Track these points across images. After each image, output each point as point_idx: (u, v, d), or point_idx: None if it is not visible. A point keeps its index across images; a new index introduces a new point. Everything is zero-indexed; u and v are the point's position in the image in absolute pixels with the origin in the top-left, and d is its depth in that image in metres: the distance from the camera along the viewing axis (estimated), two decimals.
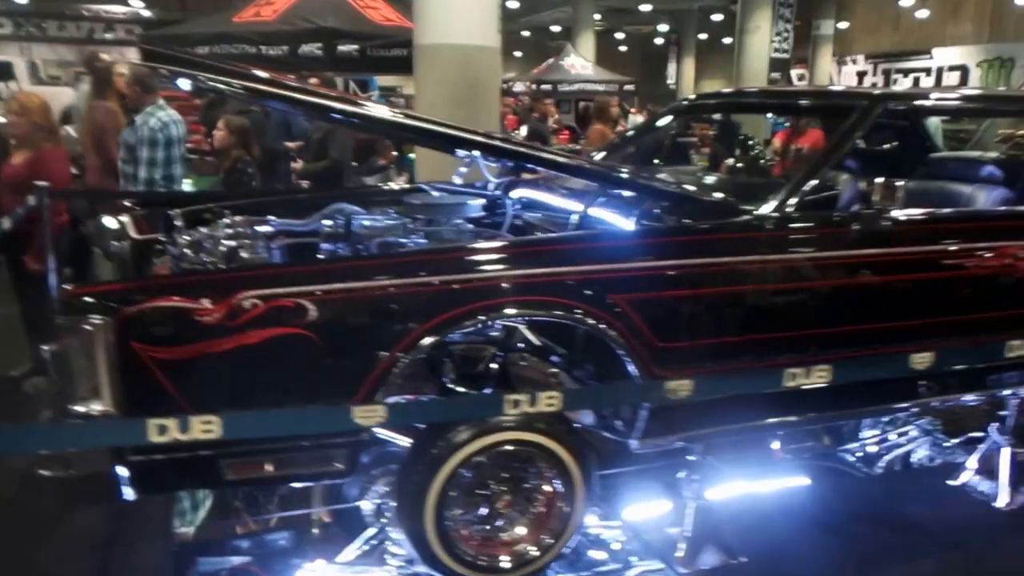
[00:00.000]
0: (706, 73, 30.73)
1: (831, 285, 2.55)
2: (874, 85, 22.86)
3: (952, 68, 21.22)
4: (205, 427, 1.77)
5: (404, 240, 2.82)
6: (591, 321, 2.26)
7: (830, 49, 22.30)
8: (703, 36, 29.51)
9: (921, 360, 2.29)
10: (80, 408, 1.98)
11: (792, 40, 15.98)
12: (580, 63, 19.42)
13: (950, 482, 3.01)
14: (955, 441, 3.14)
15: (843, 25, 23.58)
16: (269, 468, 2.14)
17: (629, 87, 20.04)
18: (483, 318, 2.20)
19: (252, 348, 2.05)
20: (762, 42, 15.36)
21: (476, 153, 3.30)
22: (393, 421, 2.06)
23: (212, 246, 2.58)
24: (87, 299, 1.98)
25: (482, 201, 3.17)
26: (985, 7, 20.59)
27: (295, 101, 2.73)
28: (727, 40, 29.98)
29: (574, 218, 2.85)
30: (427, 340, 2.15)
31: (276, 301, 2.06)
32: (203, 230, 2.71)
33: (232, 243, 2.58)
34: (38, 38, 17.98)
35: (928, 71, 22.12)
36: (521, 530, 2.41)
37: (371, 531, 2.69)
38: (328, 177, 6.00)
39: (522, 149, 2.93)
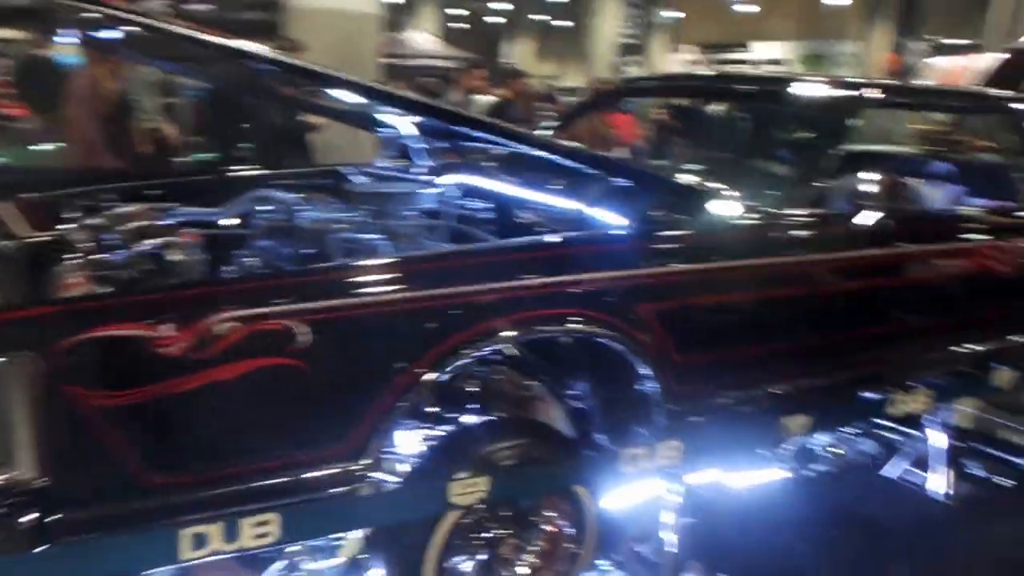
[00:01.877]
0: (547, 55, 31.14)
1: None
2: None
3: (769, 62, 22.98)
4: (259, 530, 1.32)
5: (362, 236, 2.41)
6: (617, 336, 2.00)
7: (667, 37, 23.31)
8: (542, 17, 29.85)
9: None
10: None
11: (641, 26, 16.53)
12: (423, 38, 18.92)
13: (887, 475, 3.03)
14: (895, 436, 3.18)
15: (677, 15, 24.73)
16: None
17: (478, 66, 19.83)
18: (516, 333, 1.88)
19: (226, 386, 1.60)
20: (610, 27, 15.74)
21: (409, 130, 2.95)
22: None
23: (126, 246, 2.04)
24: None
25: (435, 189, 2.80)
26: (802, 5, 22.33)
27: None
28: (566, 23, 30.65)
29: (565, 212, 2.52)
30: (453, 361, 1.80)
31: (260, 324, 1.62)
32: (106, 224, 2.15)
33: (153, 242, 2.06)
34: None
35: (748, 63, 23.80)
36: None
37: None
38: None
39: (498, 126, 2.51)
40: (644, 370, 2.05)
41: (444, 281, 1.82)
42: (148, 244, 2.04)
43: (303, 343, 1.64)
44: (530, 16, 28.62)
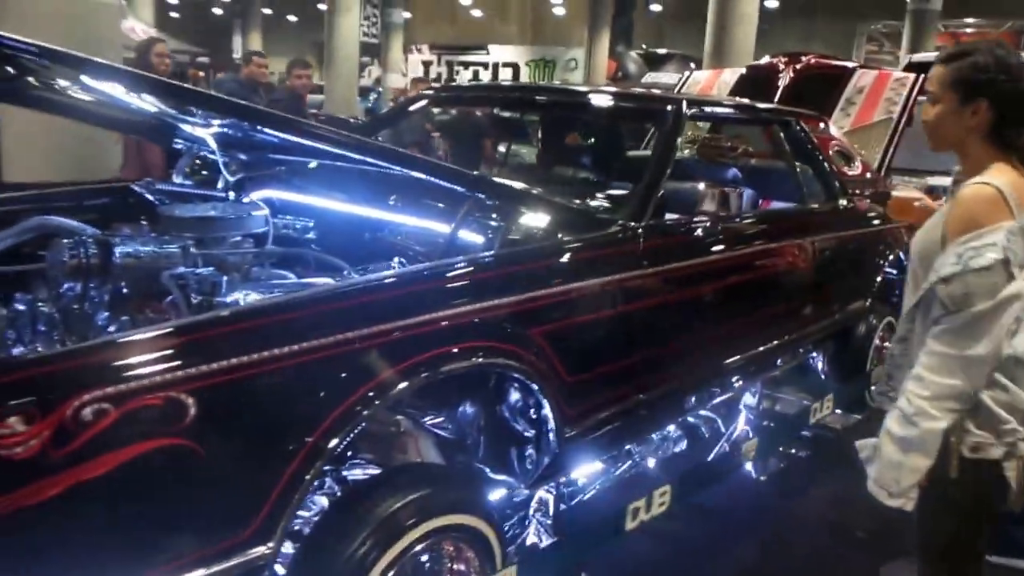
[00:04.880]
0: (276, 50, 29.68)
1: (714, 290, 2.61)
2: (439, 76, 24.76)
3: (506, 64, 24.12)
4: None
5: (191, 271, 2.05)
6: (513, 363, 1.91)
7: (401, 37, 23.37)
8: (267, 11, 28.39)
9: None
10: None
11: (380, 26, 16.30)
12: (140, 28, 17.07)
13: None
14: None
15: (407, 15, 24.91)
16: None
17: (202, 59, 18.35)
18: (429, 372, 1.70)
19: (99, 485, 1.26)
20: (352, 25, 15.33)
21: (209, 141, 2.58)
22: None
23: None
24: None
25: (264, 211, 2.47)
26: (526, 12, 23.69)
27: None
28: (292, 17, 29.41)
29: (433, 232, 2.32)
30: (363, 412, 1.57)
31: (136, 400, 1.29)
32: None
33: None
34: None
35: (486, 65, 24.77)
36: None
37: None
38: None
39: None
40: (539, 394, 1.99)
41: (350, 323, 1.60)
42: None
43: (191, 419, 1.34)
44: (262, 9, 27.12)
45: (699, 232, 2.61)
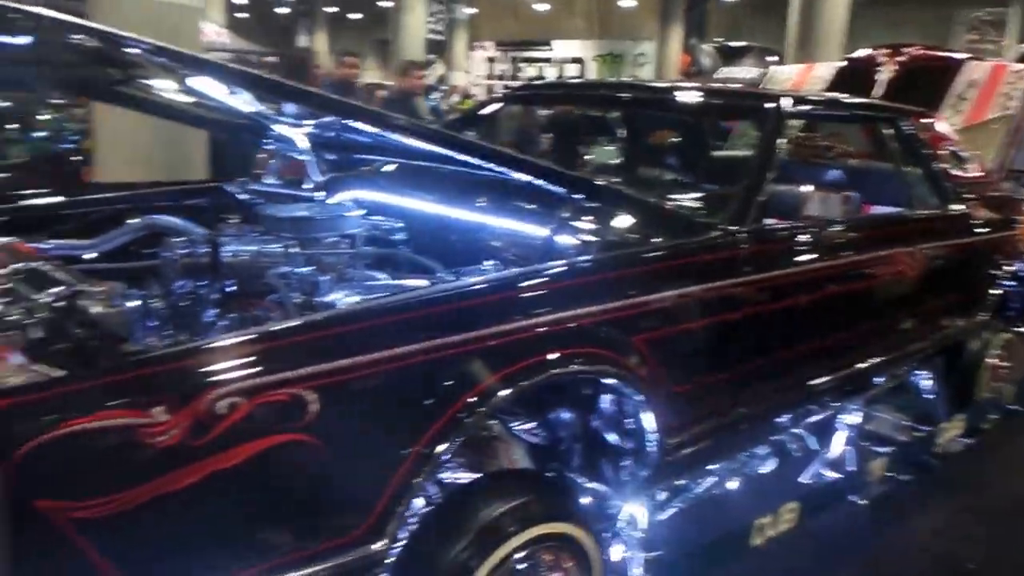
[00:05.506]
0: (340, 48, 30.30)
1: (827, 297, 2.58)
2: (503, 73, 24.89)
3: (573, 60, 24.10)
4: None
5: (292, 270, 2.14)
6: (614, 370, 1.93)
7: (466, 34, 23.60)
8: (332, 9, 29.03)
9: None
10: None
11: (446, 22, 16.54)
12: (212, 29, 17.69)
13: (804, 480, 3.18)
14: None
15: (473, 11, 25.12)
16: None
17: (270, 58, 18.84)
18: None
19: (230, 476, 1.34)
20: (418, 23, 15.58)
21: (300, 141, 2.67)
22: None
23: (28, 299, 1.65)
24: None
25: (359, 211, 2.55)
26: (593, 4, 23.55)
27: None
28: (356, 15, 29.97)
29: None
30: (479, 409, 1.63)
31: (265, 395, 1.37)
32: None
33: (57, 291, 1.67)
34: None
35: (550, 61, 24.81)
36: None
37: None
38: None
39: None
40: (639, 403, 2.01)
41: (464, 325, 1.65)
42: (53, 294, 1.66)
43: (314, 415, 1.41)
44: (324, 8, 27.76)
45: (805, 237, 2.57)
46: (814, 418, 2.80)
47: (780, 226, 2.56)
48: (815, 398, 2.72)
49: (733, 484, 2.71)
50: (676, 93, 3.21)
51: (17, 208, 2.53)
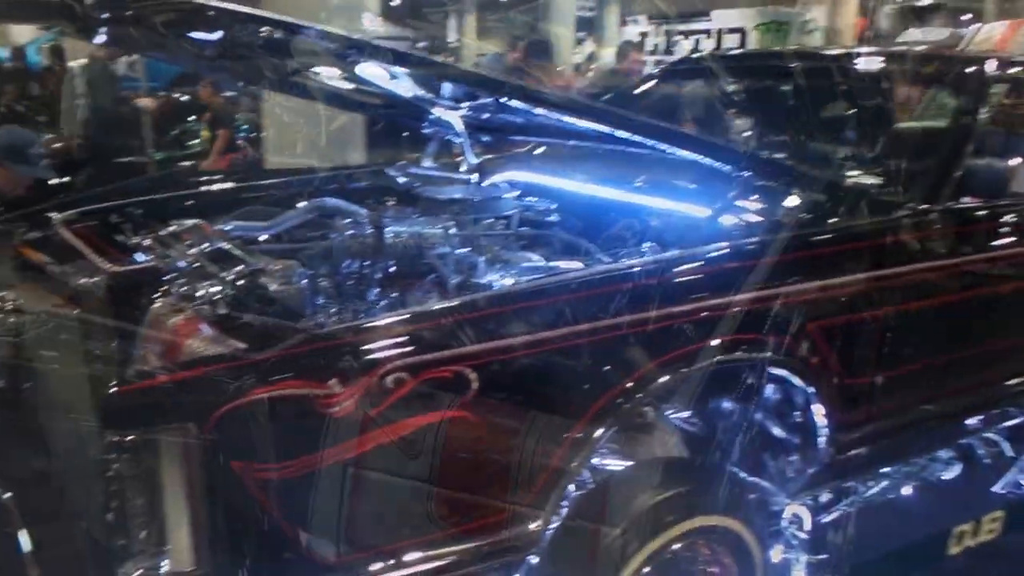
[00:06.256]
0: (487, 32, 30.85)
1: None
2: (656, 47, 24.41)
3: (732, 31, 23.26)
4: None
5: (450, 251, 2.24)
6: (784, 359, 1.89)
7: (617, 8, 23.30)
8: None
9: None
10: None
11: None
12: (367, 16, 18.50)
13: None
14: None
15: None
16: None
17: (422, 44, 19.51)
18: None
19: (397, 448, 1.43)
20: (568, 1, 15.56)
21: (456, 124, 2.76)
22: None
23: (219, 277, 1.83)
24: (142, 398, 1.25)
25: (513, 192, 2.63)
26: None
27: None
28: None
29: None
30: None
31: (430, 371, 1.45)
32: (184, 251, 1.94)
33: (240, 269, 1.84)
34: None
35: (708, 33, 24.06)
36: None
37: None
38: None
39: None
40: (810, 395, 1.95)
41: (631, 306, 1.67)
42: (238, 272, 1.82)
43: (475, 393, 1.48)
44: None
45: (1009, 218, 2.38)
46: (1012, 422, 2.60)
47: (979, 205, 2.39)
48: (1014, 400, 2.52)
49: (907, 490, 2.58)
50: (857, 59, 3.05)
51: (200, 193, 2.79)
